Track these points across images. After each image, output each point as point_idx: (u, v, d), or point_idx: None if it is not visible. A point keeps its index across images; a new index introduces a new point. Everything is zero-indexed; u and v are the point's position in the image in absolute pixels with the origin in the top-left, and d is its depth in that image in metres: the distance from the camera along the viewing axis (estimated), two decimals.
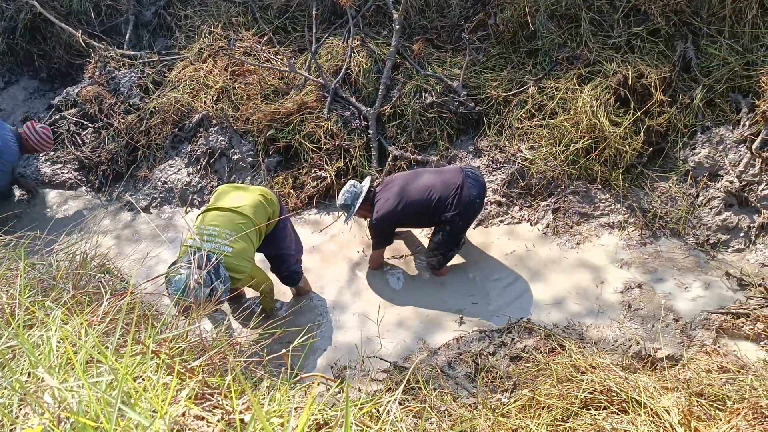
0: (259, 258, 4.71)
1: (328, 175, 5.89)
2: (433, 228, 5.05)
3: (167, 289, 3.80)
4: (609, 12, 5.94)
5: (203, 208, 4.49)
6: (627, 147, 5.30)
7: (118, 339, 2.09)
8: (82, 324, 2.03)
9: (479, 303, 4.78)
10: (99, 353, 1.75)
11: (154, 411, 1.62)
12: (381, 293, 5.00)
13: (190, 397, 1.69)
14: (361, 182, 4.91)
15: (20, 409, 1.82)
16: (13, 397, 1.82)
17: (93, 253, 3.80)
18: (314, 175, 5.98)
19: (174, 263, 3.98)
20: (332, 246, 5.56)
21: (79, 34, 7.21)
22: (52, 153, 6.94)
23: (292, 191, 5.97)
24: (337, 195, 5.84)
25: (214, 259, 3.86)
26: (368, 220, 5.04)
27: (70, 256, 3.72)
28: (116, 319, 2.51)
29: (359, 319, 4.77)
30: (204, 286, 3.68)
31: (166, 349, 2.06)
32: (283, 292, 5.06)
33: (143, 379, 1.82)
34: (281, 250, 4.67)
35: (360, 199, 4.77)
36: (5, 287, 2.85)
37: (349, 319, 4.81)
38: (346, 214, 4.89)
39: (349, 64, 6.32)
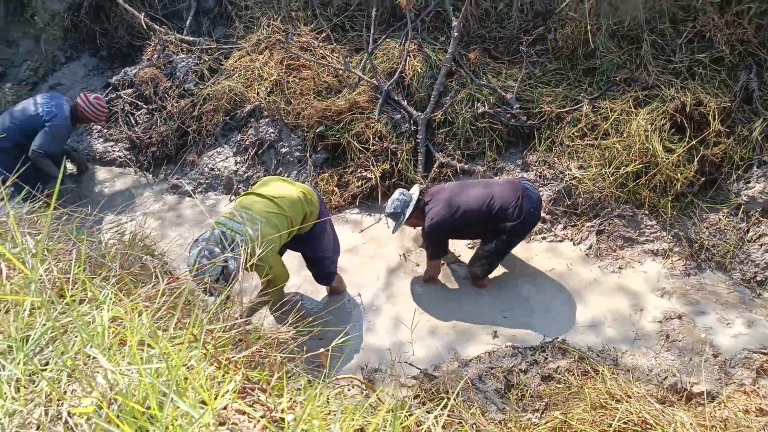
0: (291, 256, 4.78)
1: (373, 176, 5.95)
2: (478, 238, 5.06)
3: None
4: (672, 36, 5.88)
5: (245, 192, 4.57)
6: (679, 175, 5.25)
7: (162, 323, 2.16)
8: (135, 306, 2.10)
9: (514, 318, 4.78)
10: (151, 337, 1.82)
11: (201, 402, 1.68)
12: (416, 299, 5.03)
13: (234, 391, 1.75)
14: (408, 190, 4.91)
15: (68, 384, 1.90)
16: (63, 372, 1.90)
17: (140, 234, 3.90)
18: (359, 175, 6.04)
19: (195, 240, 4.07)
20: (371, 247, 5.62)
21: (142, 17, 7.39)
22: (105, 131, 7.12)
23: (336, 189, 6.04)
24: (380, 197, 5.93)
25: (233, 238, 3.94)
26: (417, 228, 5.04)
27: (119, 235, 3.83)
28: (164, 302, 2.59)
29: (392, 323, 4.81)
30: (213, 261, 3.75)
31: (211, 339, 2.13)
32: (318, 290, 5.12)
33: (189, 368, 1.89)
34: (317, 253, 4.73)
35: (410, 207, 4.75)
36: (56, 261, 2.95)
37: (382, 322, 4.85)
38: (395, 223, 4.85)
39: (404, 67, 6.37)
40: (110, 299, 2.19)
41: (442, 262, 5.28)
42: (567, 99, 5.99)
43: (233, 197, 6.30)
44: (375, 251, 5.58)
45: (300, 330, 2.86)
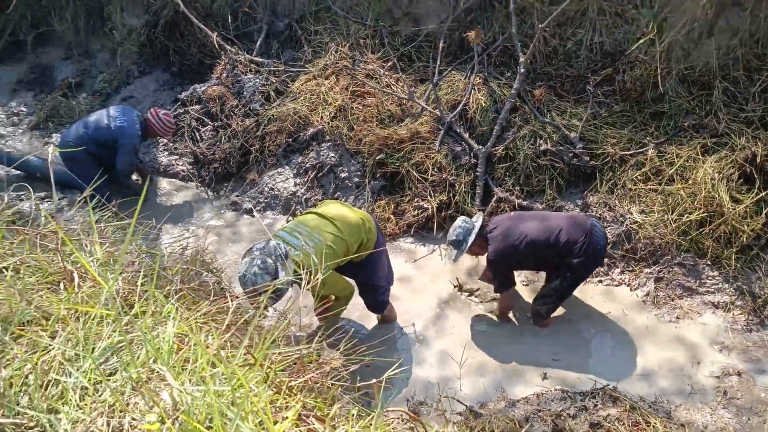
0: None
1: (429, 207, 5.99)
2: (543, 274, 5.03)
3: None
4: (745, 84, 5.80)
5: (306, 210, 4.66)
6: (745, 226, 5.14)
7: (219, 343, 2.22)
8: (199, 323, 2.18)
9: (565, 360, 4.72)
10: (216, 357, 1.89)
11: (261, 426, 1.73)
12: (467, 334, 5.03)
13: (293, 418, 1.79)
14: (471, 218, 4.90)
15: (131, 396, 1.97)
16: (127, 384, 1.97)
17: (202, 250, 4.01)
18: (416, 204, 6.09)
19: (250, 248, 4.15)
20: (423, 278, 5.64)
21: (215, 36, 7.64)
22: (171, 144, 7.37)
23: (392, 217, 6.10)
24: (436, 228, 5.96)
25: (287, 252, 4.01)
26: (478, 258, 5.01)
27: (180, 249, 3.95)
28: (223, 320, 2.66)
29: (440, 356, 4.81)
30: (265, 272, 3.84)
31: (270, 363, 2.18)
32: (367, 316, 5.15)
33: (248, 391, 1.94)
34: (371, 281, 4.78)
35: (473, 235, 4.69)
36: (121, 272, 3.05)
37: (430, 355, 4.86)
38: (456, 251, 4.76)
39: (468, 100, 6.43)
40: (176, 316, 2.27)
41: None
42: (632, 141, 5.95)
43: (290, 218, 6.41)
44: (427, 282, 5.60)
45: (351, 358, 2.90)
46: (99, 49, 8.72)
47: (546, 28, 6.32)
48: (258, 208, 6.58)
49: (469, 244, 4.70)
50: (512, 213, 5.05)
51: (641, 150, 5.83)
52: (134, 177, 7.07)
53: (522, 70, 6.33)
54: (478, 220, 4.84)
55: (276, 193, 6.59)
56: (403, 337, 5.05)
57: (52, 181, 2.82)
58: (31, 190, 3.30)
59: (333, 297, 4.75)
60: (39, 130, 7.91)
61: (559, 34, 6.60)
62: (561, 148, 6.01)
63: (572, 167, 6.00)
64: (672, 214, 5.39)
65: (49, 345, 2.08)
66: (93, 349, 2.11)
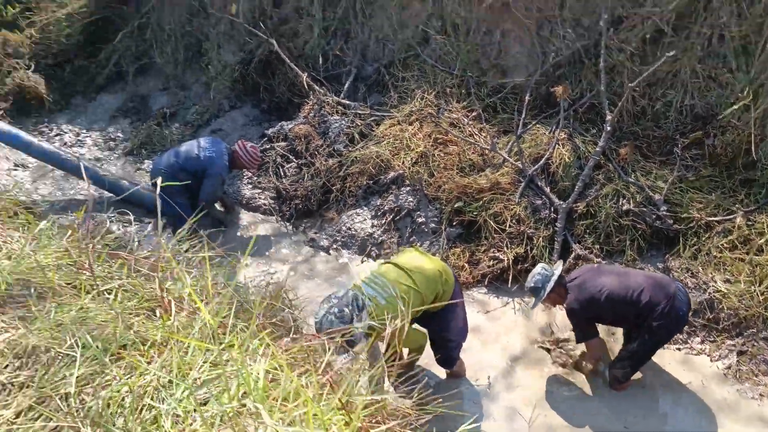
0: None
1: (505, 259, 6.00)
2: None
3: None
4: None
5: (385, 260, 4.77)
6: None
7: (317, 385, 2.29)
8: (289, 360, 2.27)
9: (638, 429, 4.61)
10: (312, 400, 1.97)
11: None
12: (537, 391, 4.97)
13: None
14: (551, 260, 4.89)
15: (221, 427, 2.07)
16: (217, 417, 2.07)
17: (284, 286, 4.14)
18: (492, 255, 6.11)
19: (330, 295, 4.28)
20: (495, 331, 5.63)
21: (305, 77, 7.94)
22: (255, 178, 7.64)
23: (466, 265, 6.13)
24: (511, 280, 5.96)
25: (363, 303, 4.12)
26: (553, 310, 4.98)
27: (264, 283, 4.09)
28: (300, 358, 2.75)
29: (509, 412, 4.78)
30: (341, 321, 3.93)
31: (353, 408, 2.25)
32: (436, 369, 5.15)
33: None
34: (443, 332, 4.80)
35: (551, 283, 4.66)
36: (205, 300, 3.17)
37: (497, 409, 4.83)
38: (534, 298, 4.78)
39: (551, 154, 6.45)
40: (263, 350, 2.37)
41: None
42: (719, 208, 5.83)
43: (365, 258, 6.53)
44: (499, 335, 5.58)
45: (425, 408, 2.93)
46: (194, 82, 9.17)
47: (636, 87, 6.31)
48: (335, 246, 6.73)
49: (547, 291, 4.68)
50: (595, 265, 5.01)
51: (729, 217, 5.71)
52: (218, 207, 7.35)
53: (608, 128, 6.33)
54: (557, 268, 4.82)
55: (353, 233, 6.73)
56: (471, 389, 5.03)
57: (159, 210, 2.99)
58: (131, 216, 3.50)
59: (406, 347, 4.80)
60: (132, 156, 8.34)
61: (649, 94, 6.58)
62: (644, 209, 5.95)
63: (655, 230, 5.91)
64: (760, 285, 5.24)
65: (146, 370, 2.21)
66: (185, 376, 2.23)
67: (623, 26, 6.64)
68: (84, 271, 2.64)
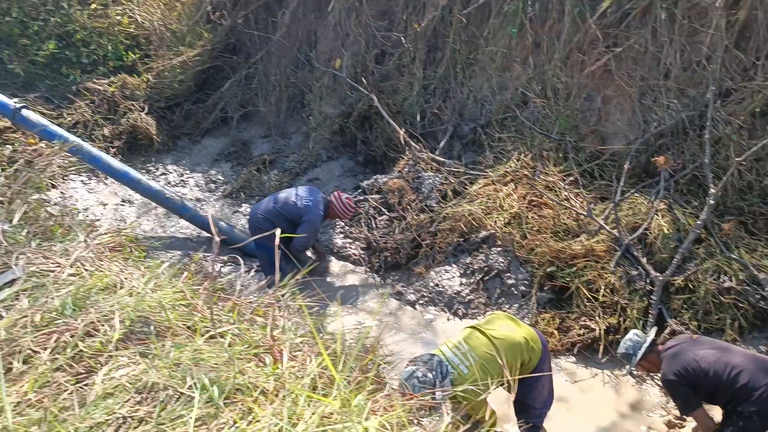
0: None
1: (597, 328, 5.89)
2: None
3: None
4: None
5: (472, 324, 4.80)
6: None
7: None
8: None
9: None
10: None
11: None
12: None
13: None
14: (645, 332, 4.79)
15: None
16: None
17: (379, 340, 4.20)
18: (582, 323, 6.02)
19: (416, 357, 4.37)
20: (583, 402, 5.51)
21: (402, 132, 8.14)
22: (347, 227, 7.82)
23: (556, 332, 6.05)
24: (602, 351, 5.83)
25: (447, 370, 4.23)
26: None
27: (358, 335, 4.16)
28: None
29: None
30: (424, 386, 4.01)
31: None
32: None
33: None
34: (527, 400, 4.75)
35: (642, 349, 4.57)
36: (300, 349, 3.23)
37: None
38: (627, 365, 4.76)
39: (649, 225, 6.35)
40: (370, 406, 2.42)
41: None
42: None
43: (451, 317, 6.54)
44: (585, 407, 5.45)
45: None
46: (294, 131, 9.55)
47: (742, 161, 6.17)
48: (421, 301, 6.78)
49: (638, 358, 4.60)
50: (693, 335, 4.86)
51: None
52: (309, 254, 7.55)
53: (711, 202, 6.18)
54: (650, 334, 4.73)
55: (441, 289, 6.77)
56: None
57: (275, 257, 3.12)
58: (241, 261, 3.66)
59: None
60: (231, 199, 8.72)
61: (757, 169, 6.40)
62: (747, 288, 5.74)
63: (758, 310, 5.69)
64: None
65: (259, 416, 2.30)
66: (295, 425, 2.30)
67: (731, 99, 6.55)
68: (198, 313, 2.79)
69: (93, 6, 9.89)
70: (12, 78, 9.45)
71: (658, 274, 6.03)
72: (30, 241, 3.60)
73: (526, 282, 6.47)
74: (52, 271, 3.01)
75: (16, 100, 7.88)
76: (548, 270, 6.33)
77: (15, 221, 3.73)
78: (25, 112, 7.57)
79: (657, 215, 6.41)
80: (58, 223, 4.56)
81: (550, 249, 6.38)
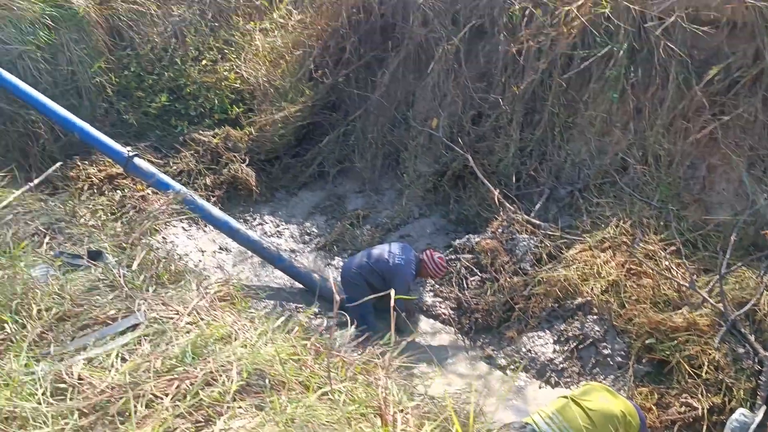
0: None
1: (699, 407, 5.63)
2: None
3: None
4: None
5: (566, 393, 4.71)
6: None
7: None
8: None
9: None
10: None
11: None
12: None
13: None
14: (752, 412, 4.58)
15: None
16: None
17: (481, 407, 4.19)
18: (684, 400, 5.76)
19: (508, 425, 4.36)
20: None
21: (497, 193, 8.16)
22: (437, 286, 7.84)
23: (653, 408, 5.82)
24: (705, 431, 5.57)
25: None
26: None
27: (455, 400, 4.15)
28: None
29: None
30: None
31: None
32: None
33: None
34: None
35: (750, 431, 4.41)
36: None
37: None
38: None
39: (759, 300, 6.09)
40: None
41: None
42: None
43: (543, 384, 6.41)
44: None
45: None
46: (388, 188, 9.71)
47: None
48: (512, 366, 6.68)
49: None
50: None
51: None
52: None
53: None
54: (759, 415, 4.53)
55: (533, 355, 6.67)
56: None
57: (367, 313, 3.18)
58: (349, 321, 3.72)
59: None
60: (324, 252, 8.89)
61: None
62: None
63: None
64: None
65: None
66: None
67: None
68: (307, 368, 2.87)
69: (203, 62, 10.45)
70: (126, 127, 10.03)
71: (767, 353, 5.75)
72: (147, 287, 3.80)
73: (622, 353, 6.29)
74: (171, 318, 3.17)
75: (129, 148, 8.40)
76: (647, 342, 6.14)
77: (134, 266, 3.95)
78: (137, 160, 8.05)
79: (766, 291, 6.14)
80: (166, 268, 4.78)
81: (649, 320, 6.20)
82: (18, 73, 8.96)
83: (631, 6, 7.51)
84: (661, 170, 7.54)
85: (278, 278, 8.33)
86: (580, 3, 7.96)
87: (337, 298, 2.80)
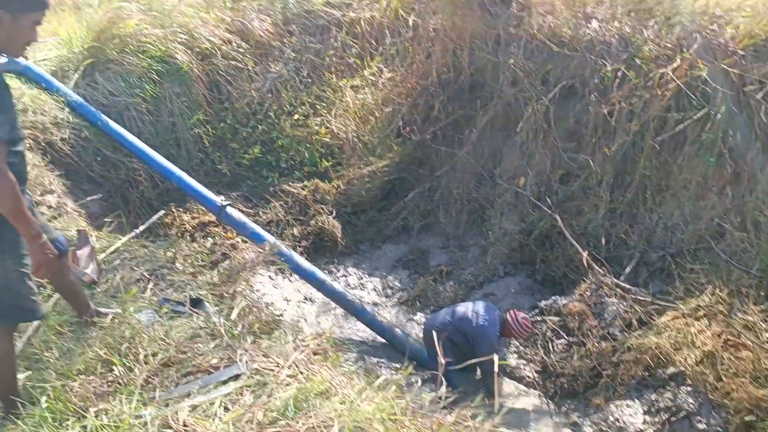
0: None
1: None
2: None
3: None
4: None
5: None
6: None
7: None
8: None
9: None
10: None
11: None
12: None
13: None
14: None
15: None
16: None
17: None
18: None
19: None
20: None
21: (585, 255, 8.04)
22: (521, 347, 7.73)
23: None
24: None
25: None
26: None
27: None
28: None
29: None
30: None
31: None
32: None
33: None
34: None
35: None
36: None
37: None
38: None
39: None
40: None
41: None
42: None
43: None
44: None
45: None
46: (472, 245, 9.71)
47: None
48: None
49: None
50: None
51: None
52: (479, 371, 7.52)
53: None
54: None
55: (621, 425, 6.45)
56: None
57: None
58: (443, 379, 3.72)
59: None
60: (406, 306, 8.93)
61: None
62: None
63: None
64: None
65: None
66: None
67: None
68: (405, 428, 2.89)
69: (296, 117, 10.83)
70: (220, 177, 10.45)
71: None
72: (245, 336, 3.93)
73: (719, 429, 6.00)
74: (272, 370, 3.26)
75: (222, 197, 8.74)
76: (746, 419, 5.84)
77: (234, 316, 4.09)
78: (229, 209, 8.38)
79: None
80: (258, 318, 4.92)
81: (749, 395, 5.91)
82: (124, 123, 9.56)
83: (730, 69, 7.40)
84: (761, 237, 7.27)
85: (360, 331, 8.39)
86: (675, 65, 7.90)
87: (442, 360, 2.82)
